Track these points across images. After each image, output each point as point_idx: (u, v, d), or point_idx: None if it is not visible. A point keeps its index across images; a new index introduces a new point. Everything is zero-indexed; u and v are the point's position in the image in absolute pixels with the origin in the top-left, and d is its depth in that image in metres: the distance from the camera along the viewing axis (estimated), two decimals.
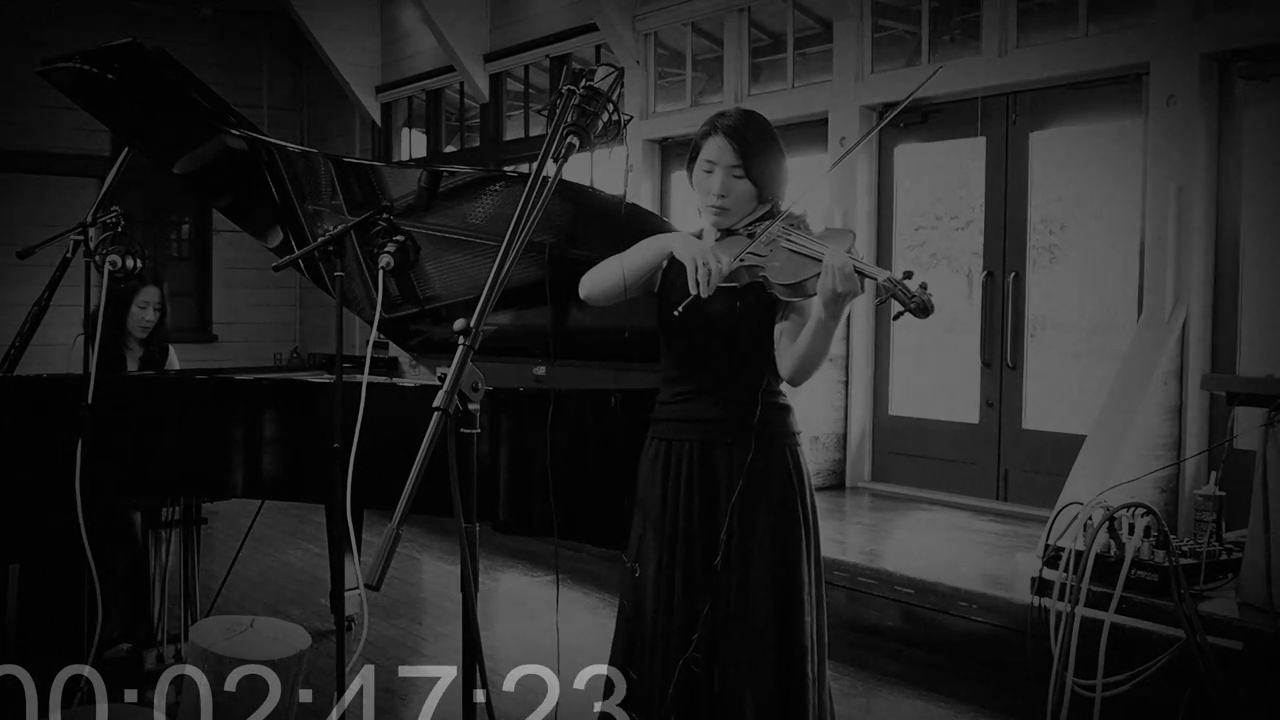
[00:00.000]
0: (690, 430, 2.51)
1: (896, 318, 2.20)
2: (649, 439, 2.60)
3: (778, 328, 2.46)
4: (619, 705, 2.58)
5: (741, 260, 2.38)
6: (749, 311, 2.45)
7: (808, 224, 2.46)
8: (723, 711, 2.44)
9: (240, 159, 3.70)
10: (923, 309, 2.15)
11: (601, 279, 2.57)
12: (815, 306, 2.30)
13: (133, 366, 4.32)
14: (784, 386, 2.52)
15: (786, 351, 2.42)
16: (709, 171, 2.48)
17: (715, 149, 2.47)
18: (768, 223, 2.45)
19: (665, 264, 2.54)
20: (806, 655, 2.45)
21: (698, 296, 2.34)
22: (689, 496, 2.49)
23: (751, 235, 2.45)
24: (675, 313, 2.36)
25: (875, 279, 2.20)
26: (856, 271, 2.21)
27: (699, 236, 2.59)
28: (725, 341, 2.48)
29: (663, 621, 2.49)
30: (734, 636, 2.44)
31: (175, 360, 4.49)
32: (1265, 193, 5.01)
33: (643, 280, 2.54)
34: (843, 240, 2.32)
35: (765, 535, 2.45)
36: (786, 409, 2.54)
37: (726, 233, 2.50)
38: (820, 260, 2.28)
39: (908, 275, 2.17)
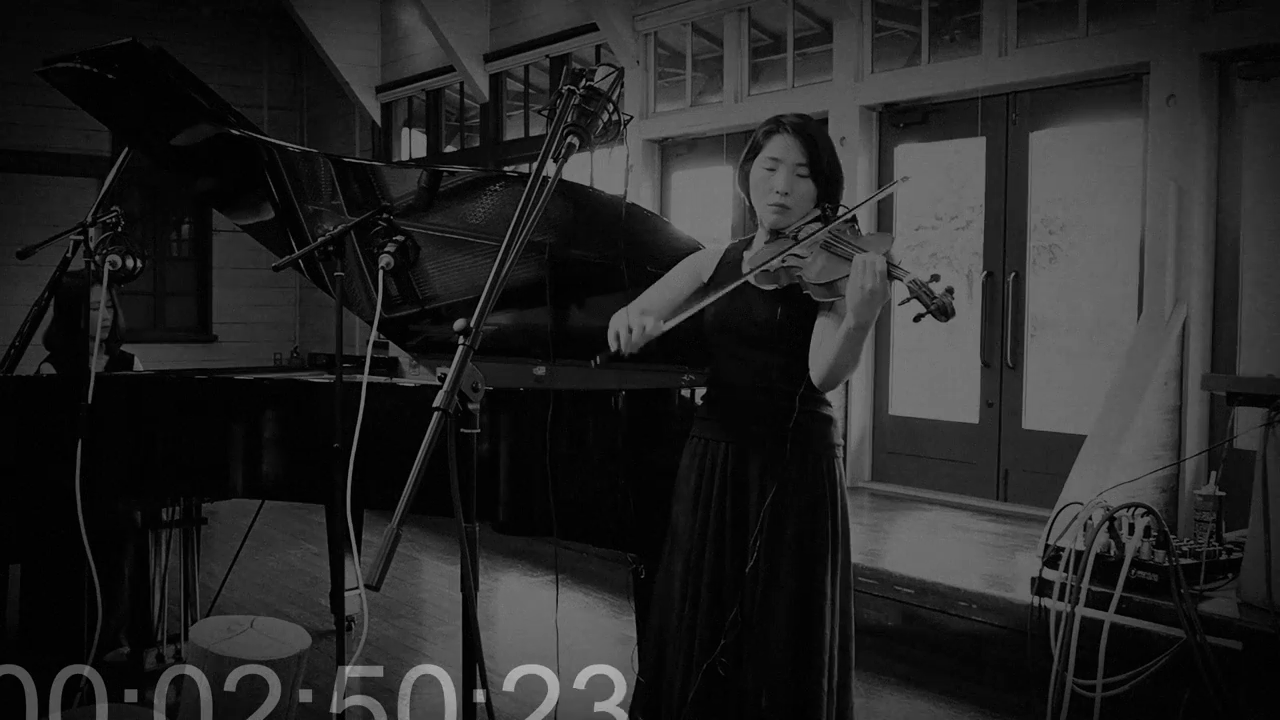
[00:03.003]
0: (726, 431, 2.52)
1: (918, 319, 2.20)
2: (690, 437, 2.61)
3: (816, 328, 2.44)
4: (634, 708, 2.58)
5: (783, 260, 2.38)
6: (789, 319, 2.45)
7: (858, 229, 2.47)
8: (739, 714, 2.44)
9: (240, 159, 3.70)
10: (943, 311, 2.16)
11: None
12: (845, 311, 2.28)
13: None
14: (830, 396, 2.52)
15: (817, 355, 2.40)
16: (772, 169, 2.47)
17: (781, 147, 2.46)
18: (813, 226, 2.44)
19: (714, 271, 2.58)
20: (824, 668, 2.44)
21: (618, 352, 2.36)
22: (720, 497, 2.49)
23: (796, 238, 2.45)
24: (593, 363, 2.37)
25: (902, 279, 2.21)
26: (887, 271, 2.20)
27: (747, 245, 2.58)
28: (765, 347, 2.48)
29: (688, 620, 2.49)
30: (754, 641, 2.43)
31: (139, 367, 4.45)
32: (1265, 192, 5.01)
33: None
34: (882, 243, 2.32)
35: (791, 542, 2.45)
36: (828, 420, 2.52)
37: (775, 235, 2.50)
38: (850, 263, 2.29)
39: (935, 278, 2.18)
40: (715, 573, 2.48)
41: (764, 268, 2.40)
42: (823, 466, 2.49)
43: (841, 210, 2.49)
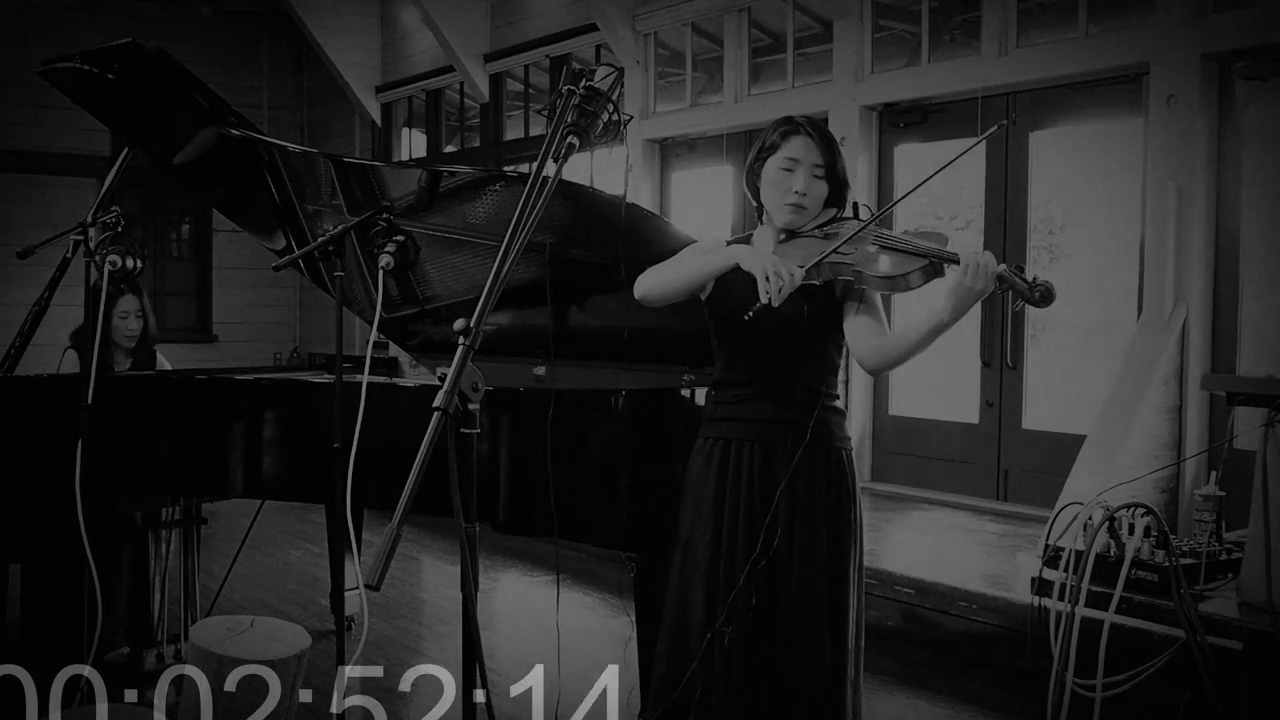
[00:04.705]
0: (751, 430, 2.51)
1: (1018, 308, 2.25)
2: (702, 438, 2.59)
3: (853, 322, 2.46)
4: (648, 707, 2.58)
5: (824, 258, 2.38)
6: (816, 313, 2.46)
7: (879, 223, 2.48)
8: (769, 709, 2.44)
9: (240, 159, 3.70)
10: (1047, 297, 2.23)
11: (661, 282, 2.56)
12: (940, 305, 2.30)
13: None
14: (838, 390, 2.53)
15: (874, 343, 2.43)
16: (789, 169, 2.48)
17: (800, 147, 2.48)
18: (855, 221, 2.46)
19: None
20: (847, 659, 2.47)
21: (768, 304, 2.32)
22: (749, 495, 2.48)
23: (828, 236, 2.45)
24: (746, 317, 2.33)
25: (998, 272, 2.26)
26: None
27: (747, 242, 2.58)
28: (792, 343, 2.47)
29: (711, 617, 2.48)
30: (789, 635, 2.44)
31: (165, 364, 4.47)
32: (1265, 193, 5.01)
33: (700, 286, 2.53)
34: (939, 240, 2.35)
35: (820, 538, 2.46)
36: (841, 413, 2.56)
37: (790, 235, 2.50)
38: (921, 256, 2.32)
39: (1019, 268, 2.24)
40: (744, 567, 2.46)
41: (813, 264, 2.39)
42: (844, 459, 2.53)
43: (863, 209, 2.52)
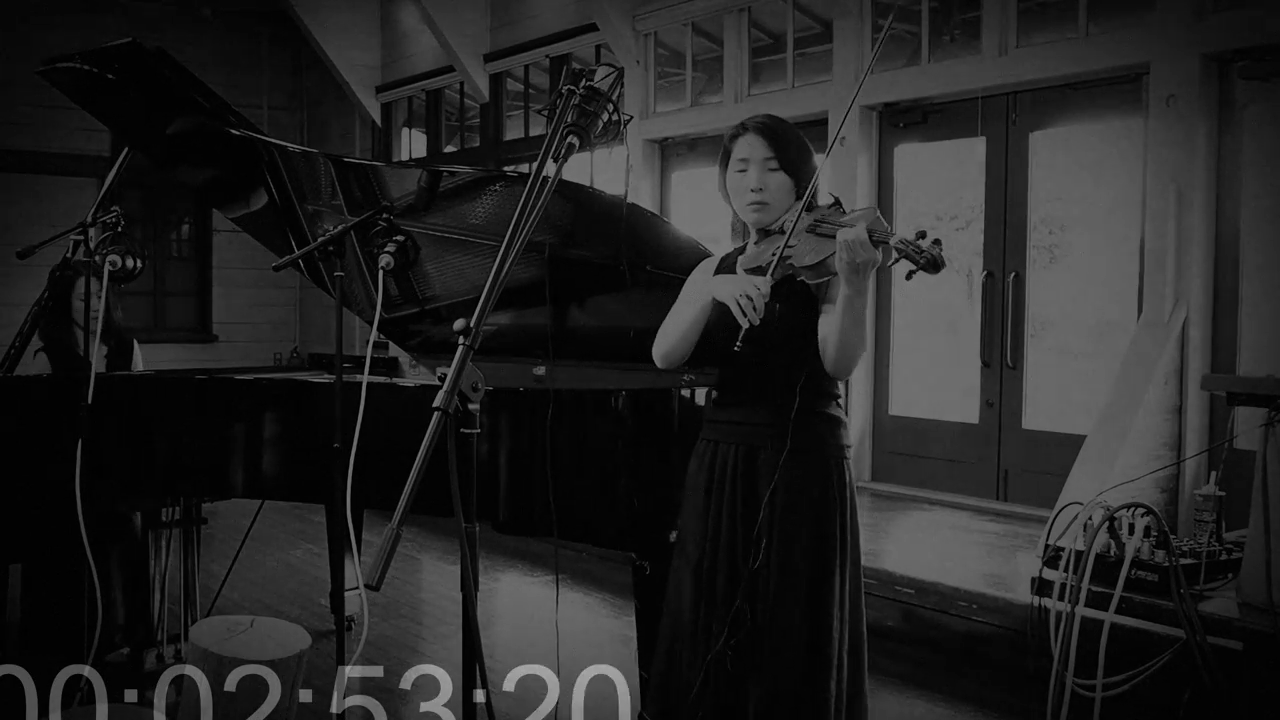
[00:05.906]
0: (735, 433, 2.51)
1: (910, 276, 2.20)
2: (699, 440, 2.61)
3: (819, 325, 2.43)
4: (644, 709, 2.58)
5: (774, 256, 2.37)
6: (788, 312, 2.44)
7: (842, 208, 2.45)
8: (750, 714, 2.43)
9: (240, 159, 3.70)
10: (933, 264, 2.15)
11: (671, 345, 2.60)
12: (839, 283, 2.29)
13: (100, 366, 4.27)
14: (838, 396, 2.52)
15: (825, 343, 2.40)
16: (743, 170, 2.49)
17: (746, 146, 2.49)
18: (795, 216, 2.43)
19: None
20: (831, 668, 2.43)
21: (751, 326, 2.32)
22: (732, 496, 2.48)
23: (783, 231, 2.44)
24: (736, 348, 2.33)
25: (888, 241, 2.21)
26: (871, 237, 2.21)
27: (741, 251, 2.58)
28: (766, 345, 2.45)
29: (704, 620, 2.48)
30: (766, 641, 2.43)
31: (139, 357, 4.42)
32: (1265, 193, 5.01)
33: (700, 330, 2.55)
34: (865, 216, 2.31)
35: (803, 544, 2.44)
36: (835, 420, 2.51)
37: (764, 234, 2.50)
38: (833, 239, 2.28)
39: (921, 235, 2.18)
40: (730, 572, 2.47)
41: (758, 265, 2.39)
42: (831, 466, 2.48)
43: (825, 196, 2.48)
